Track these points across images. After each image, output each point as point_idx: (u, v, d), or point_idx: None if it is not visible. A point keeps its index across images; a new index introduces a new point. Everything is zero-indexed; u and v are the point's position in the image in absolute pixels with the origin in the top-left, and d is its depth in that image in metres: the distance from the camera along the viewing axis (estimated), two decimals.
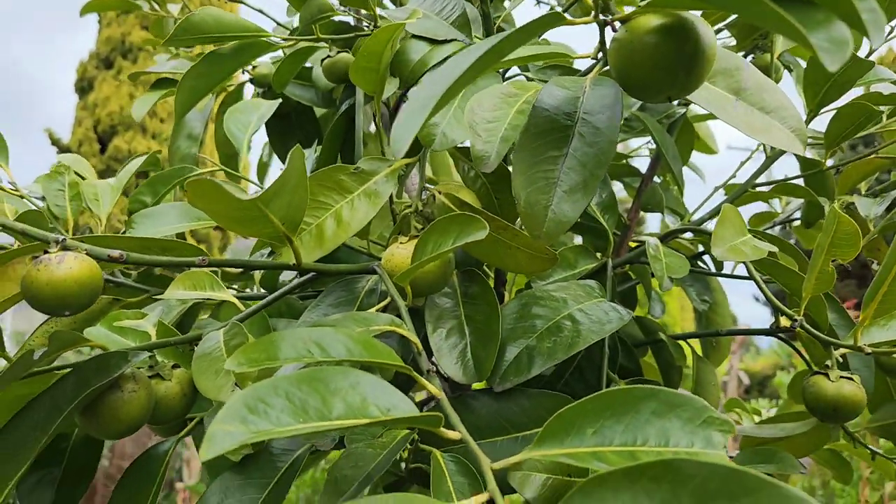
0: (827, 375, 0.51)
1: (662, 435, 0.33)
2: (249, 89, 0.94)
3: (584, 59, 0.50)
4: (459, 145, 0.58)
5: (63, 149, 5.84)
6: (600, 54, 0.42)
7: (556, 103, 0.43)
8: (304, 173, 0.43)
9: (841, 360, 0.52)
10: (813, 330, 0.50)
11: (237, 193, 0.40)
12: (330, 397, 0.31)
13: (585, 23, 0.39)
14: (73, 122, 5.90)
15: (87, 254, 0.39)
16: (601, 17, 0.38)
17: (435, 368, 0.43)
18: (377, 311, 0.49)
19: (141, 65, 5.74)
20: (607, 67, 0.43)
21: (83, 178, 0.76)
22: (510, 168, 0.55)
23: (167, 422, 0.52)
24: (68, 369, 0.47)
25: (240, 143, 0.70)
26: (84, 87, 5.95)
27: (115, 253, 0.40)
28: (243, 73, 0.92)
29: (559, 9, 0.66)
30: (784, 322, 0.51)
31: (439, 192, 0.54)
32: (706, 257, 0.82)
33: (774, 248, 0.54)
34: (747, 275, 0.75)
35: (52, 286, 0.37)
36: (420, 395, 0.69)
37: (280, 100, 0.75)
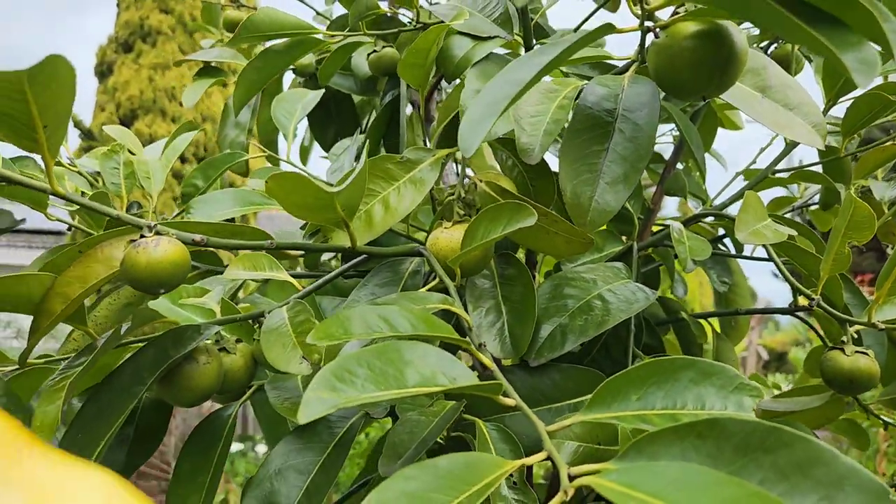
0: (843, 350, 0.55)
1: (699, 399, 0.37)
2: (287, 79, 0.98)
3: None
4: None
5: (85, 132, 5.91)
6: (639, 55, 0.46)
7: (598, 100, 0.47)
8: (366, 169, 0.48)
9: (856, 336, 0.56)
10: (829, 308, 0.54)
11: (322, 185, 0.44)
12: (404, 367, 0.35)
13: (633, 30, 0.43)
14: (94, 107, 5.97)
15: (176, 238, 0.44)
16: (645, 24, 0.42)
17: (484, 343, 0.48)
18: (428, 290, 0.53)
19: (160, 48, 5.79)
20: (644, 65, 0.47)
21: (133, 154, 0.80)
22: (544, 159, 0.59)
23: (232, 391, 0.57)
24: (144, 343, 0.52)
25: (286, 129, 0.74)
26: (104, 71, 6.01)
27: (198, 237, 0.45)
28: None
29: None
30: (802, 301, 0.55)
31: (481, 181, 0.58)
32: (726, 240, 0.85)
33: (794, 232, 0.57)
34: (766, 257, 0.79)
35: (150, 267, 0.41)
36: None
37: (323, 90, 0.80)
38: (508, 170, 0.61)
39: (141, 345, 0.52)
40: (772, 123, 0.48)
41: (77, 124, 5.86)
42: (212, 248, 0.45)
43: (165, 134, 5.98)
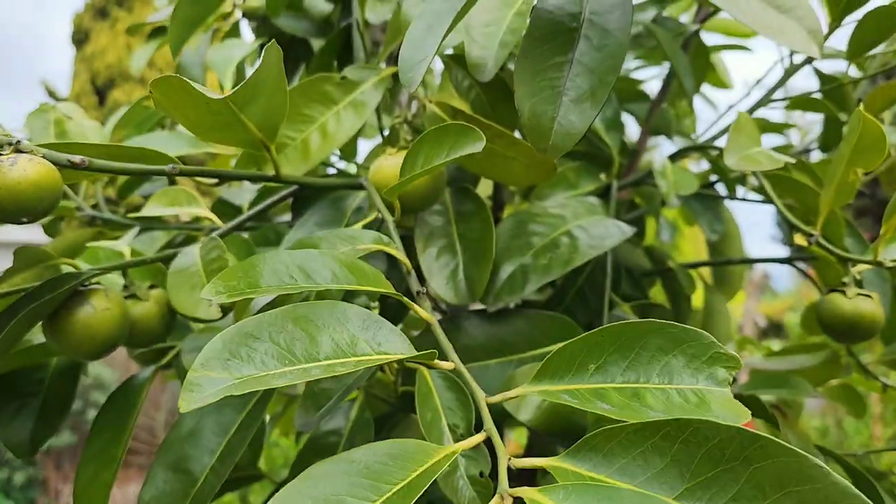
0: (844, 293, 0.48)
1: (666, 372, 0.31)
2: (246, 30, 0.90)
3: None
4: (451, 52, 0.54)
5: (61, 101, 5.75)
6: None
7: (560, 3, 0.39)
8: (281, 72, 0.40)
9: (859, 277, 0.49)
10: (829, 246, 0.47)
11: (206, 92, 0.36)
12: (317, 335, 0.28)
13: None
14: (71, 75, 5.80)
15: (44, 158, 0.36)
16: None
17: (425, 290, 0.40)
18: (363, 227, 0.46)
19: (137, 14, 5.60)
20: None
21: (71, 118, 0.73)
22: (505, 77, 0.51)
23: (146, 344, 0.49)
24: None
25: (223, 74, 0.66)
26: (80, 38, 5.82)
27: (77, 158, 0.37)
28: (235, 9, 0.88)
29: None
30: (799, 240, 0.47)
31: (430, 101, 0.50)
32: (719, 187, 0.78)
33: (791, 160, 0.50)
34: (761, 198, 0.71)
35: (6, 189, 0.34)
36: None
37: (262, 39, 0.72)
38: (465, 91, 0.53)
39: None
40: (759, 25, 0.40)
41: (52, 94, 5.70)
42: (94, 172, 0.38)
43: None
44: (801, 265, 0.69)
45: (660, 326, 0.32)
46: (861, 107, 0.70)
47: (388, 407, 0.59)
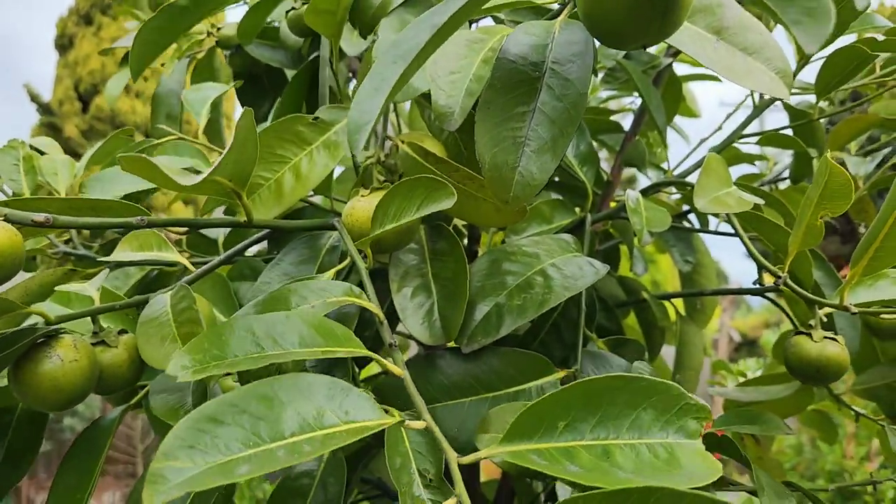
0: (810, 336, 0.49)
1: (636, 427, 0.31)
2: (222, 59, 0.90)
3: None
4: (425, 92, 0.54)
5: (44, 107, 5.67)
6: None
7: (523, 52, 0.40)
8: (252, 129, 0.40)
9: (826, 319, 0.50)
10: (797, 288, 0.48)
11: (177, 178, 0.36)
12: (282, 411, 0.28)
13: None
14: (54, 81, 5.74)
15: (6, 219, 0.36)
16: None
17: (396, 343, 0.40)
18: (335, 273, 0.46)
19: (121, 22, 5.56)
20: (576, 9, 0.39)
21: (43, 153, 0.73)
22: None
23: (116, 390, 0.49)
24: None
25: (198, 111, 0.66)
26: (64, 44, 5.76)
27: (40, 217, 0.36)
28: (209, 35, 0.88)
29: None
30: (767, 279, 0.48)
31: (402, 142, 0.50)
32: (692, 217, 0.79)
33: (760, 201, 0.51)
34: (732, 232, 0.72)
35: None
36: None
37: (242, 70, 0.71)
38: (437, 131, 0.53)
39: None
40: (727, 71, 0.40)
41: (34, 98, 5.63)
42: (59, 229, 0.37)
43: (128, 110, 5.79)
44: (772, 295, 0.70)
45: (627, 381, 0.32)
46: (827, 140, 0.71)
47: (362, 443, 0.59)
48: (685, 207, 0.77)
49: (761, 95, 0.63)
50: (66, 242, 0.68)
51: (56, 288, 0.50)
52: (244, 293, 0.65)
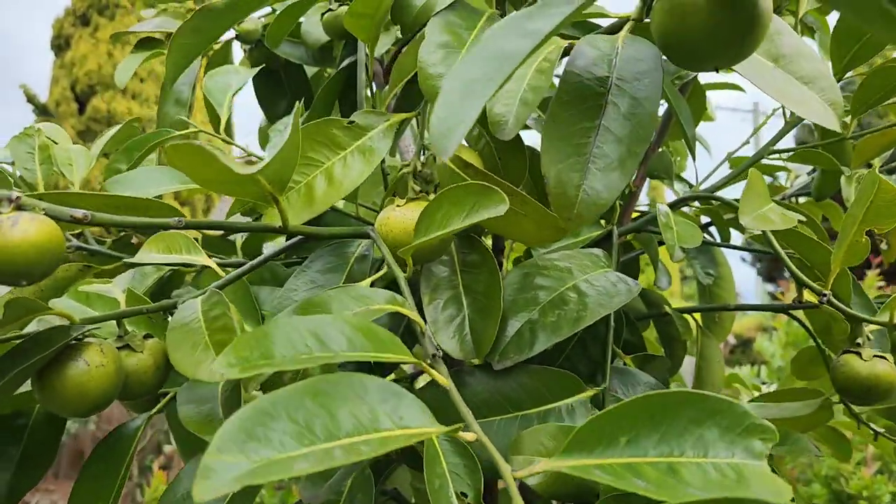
0: (859, 354, 0.48)
1: (701, 445, 0.30)
2: (237, 50, 0.89)
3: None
4: None
5: (40, 108, 5.63)
6: (643, 11, 0.38)
7: (587, 65, 0.39)
8: (298, 131, 0.39)
9: (871, 338, 0.49)
10: (841, 305, 0.47)
11: (234, 167, 0.35)
12: (336, 411, 0.27)
13: None
14: (50, 81, 5.70)
15: (46, 214, 0.35)
16: None
17: (441, 354, 0.39)
18: (373, 282, 0.45)
19: (118, 22, 5.53)
20: (643, 22, 0.38)
21: (56, 143, 0.71)
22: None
23: (139, 396, 0.47)
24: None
25: (220, 103, 0.65)
26: (61, 44, 5.72)
27: (79, 213, 0.35)
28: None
29: None
30: (809, 297, 0.47)
31: None
32: (712, 229, 0.78)
33: (803, 217, 0.50)
34: (756, 246, 0.72)
35: (5, 252, 0.32)
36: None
37: (262, 65, 0.70)
38: (474, 140, 0.52)
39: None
40: (783, 98, 0.41)
41: (31, 99, 5.59)
42: (98, 228, 0.36)
43: (124, 111, 5.75)
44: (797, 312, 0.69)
45: (690, 397, 0.32)
46: (854, 154, 0.70)
47: (385, 456, 0.58)
48: (704, 219, 0.76)
49: (792, 112, 0.63)
50: (77, 236, 0.66)
51: (79, 288, 0.49)
52: (264, 298, 0.64)
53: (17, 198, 0.34)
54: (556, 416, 0.51)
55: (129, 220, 0.38)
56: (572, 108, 0.38)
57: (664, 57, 0.38)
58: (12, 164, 0.69)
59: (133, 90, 5.40)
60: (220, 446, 0.25)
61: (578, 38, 0.43)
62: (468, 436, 0.34)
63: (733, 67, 0.38)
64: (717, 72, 0.36)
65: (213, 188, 0.39)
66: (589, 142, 0.38)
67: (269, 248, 0.64)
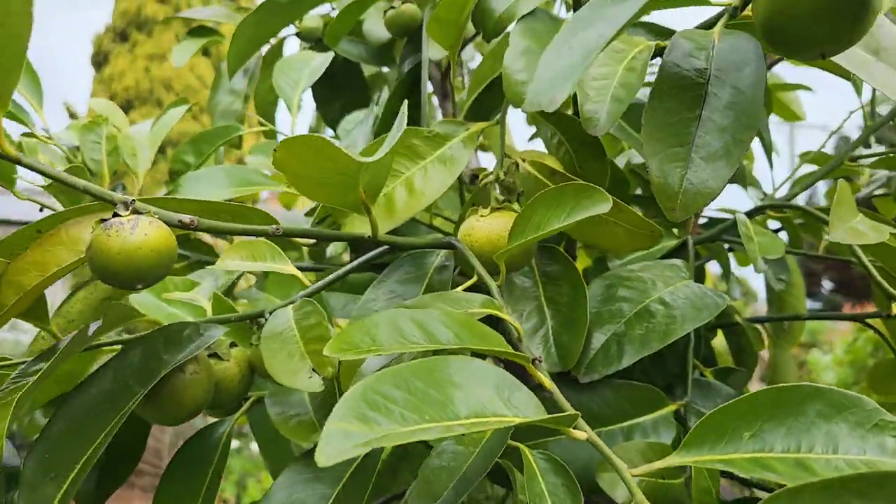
0: None
1: (830, 440, 0.29)
2: (289, 46, 0.89)
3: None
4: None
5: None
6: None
7: (684, 56, 0.38)
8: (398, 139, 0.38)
9: None
10: None
11: (349, 153, 0.35)
12: (453, 392, 0.27)
13: None
14: (90, 96, 5.85)
15: (159, 218, 0.35)
16: None
17: (541, 359, 0.39)
18: (464, 290, 0.44)
19: (156, 38, 5.66)
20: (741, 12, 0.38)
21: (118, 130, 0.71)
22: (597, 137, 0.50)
23: (225, 405, 0.48)
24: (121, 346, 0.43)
25: (290, 99, 0.64)
26: (100, 60, 5.88)
27: (187, 218, 0.36)
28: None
29: None
30: None
31: (523, 160, 0.49)
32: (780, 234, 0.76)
33: (894, 230, 0.49)
34: (827, 254, 0.70)
35: (125, 254, 0.32)
36: None
37: (333, 54, 0.70)
38: (554, 148, 0.52)
39: (117, 349, 0.43)
40: (887, 89, 0.39)
41: (73, 115, 5.73)
42: (203, 232, 0.36)
43: None
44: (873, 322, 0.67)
45: (818, 391, 0.31)
46: None
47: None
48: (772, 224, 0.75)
49: (873, 113, 0.61)
50: None
51: (163, 296, 0.49)
52: (333, 305, 0.64)
53: (133, 201, 0.34)
54: (641, 432, 0.50)
55: (232, 226, 0.38)
56: (671, 99, 0.38)
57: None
58: (77, 149, 0.69)
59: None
60: (341, 416, 0.25)
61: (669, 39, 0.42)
62: (579, 434, 0.33)
63: (835, 59, 0.38)
64: (823, 58, 0.35)
65: (311, 191, 0.39)
66: (690, 132, 0.37)
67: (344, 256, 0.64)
